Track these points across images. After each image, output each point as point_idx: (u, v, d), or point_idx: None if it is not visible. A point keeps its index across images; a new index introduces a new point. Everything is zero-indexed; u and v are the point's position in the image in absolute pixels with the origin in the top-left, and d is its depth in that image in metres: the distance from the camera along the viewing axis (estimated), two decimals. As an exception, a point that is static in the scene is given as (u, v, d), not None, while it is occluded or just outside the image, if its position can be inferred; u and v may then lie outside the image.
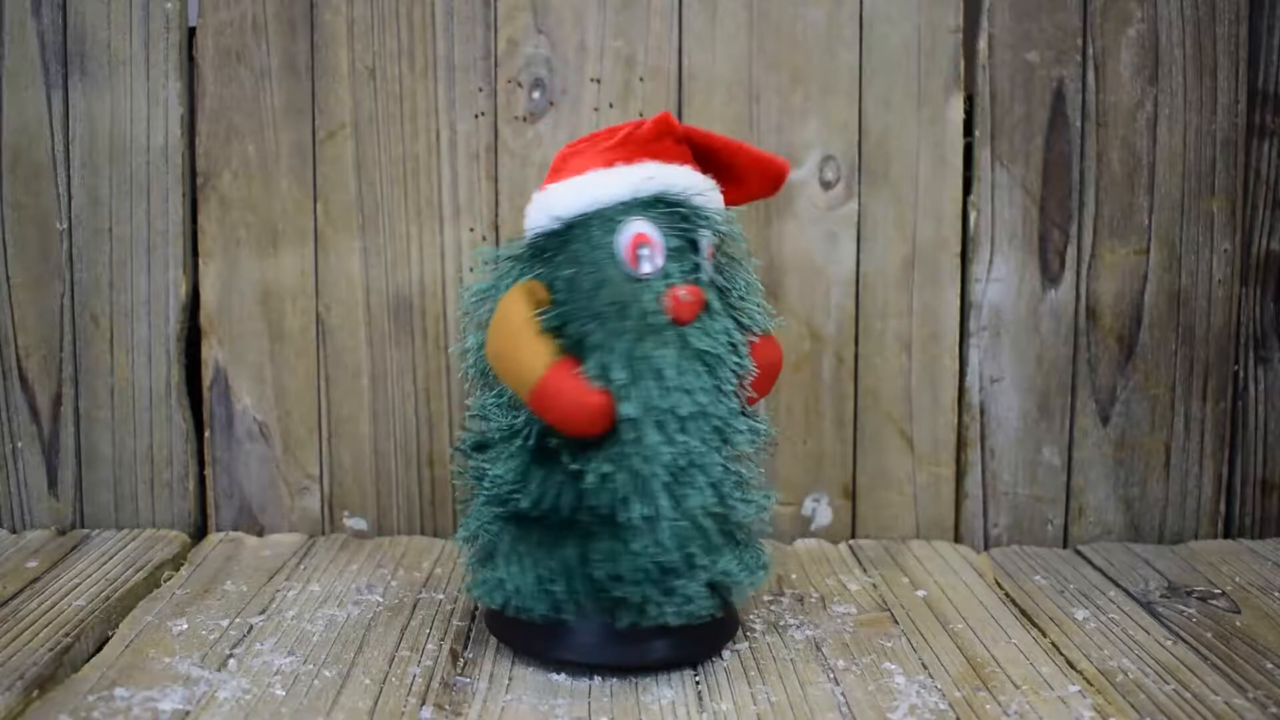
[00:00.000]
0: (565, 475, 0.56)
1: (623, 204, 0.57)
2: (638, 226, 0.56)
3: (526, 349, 0.54)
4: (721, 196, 0.60)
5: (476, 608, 0.66)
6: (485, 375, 0.60)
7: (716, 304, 0.57)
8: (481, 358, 0.59)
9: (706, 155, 0.61)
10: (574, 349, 0.55)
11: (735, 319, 0.58)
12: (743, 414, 0.58)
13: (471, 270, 0.78)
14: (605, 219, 0.56)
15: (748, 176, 0.62)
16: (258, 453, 0.80)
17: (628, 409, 0.54)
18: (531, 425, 0.57)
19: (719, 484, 0.56)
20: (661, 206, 0.57)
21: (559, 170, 0.60)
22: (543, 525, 0.57)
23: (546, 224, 0.58)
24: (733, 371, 0.56)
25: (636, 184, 0.57)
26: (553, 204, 0.58)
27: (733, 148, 0.62)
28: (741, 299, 0.59)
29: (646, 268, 0.56)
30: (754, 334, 0.59)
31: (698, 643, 0.58)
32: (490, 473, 0.58)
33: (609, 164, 0.58)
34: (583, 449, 0.55)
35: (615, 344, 0.54)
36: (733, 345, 0.57)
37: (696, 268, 0.57)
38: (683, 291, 0.55)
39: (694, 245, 0.57)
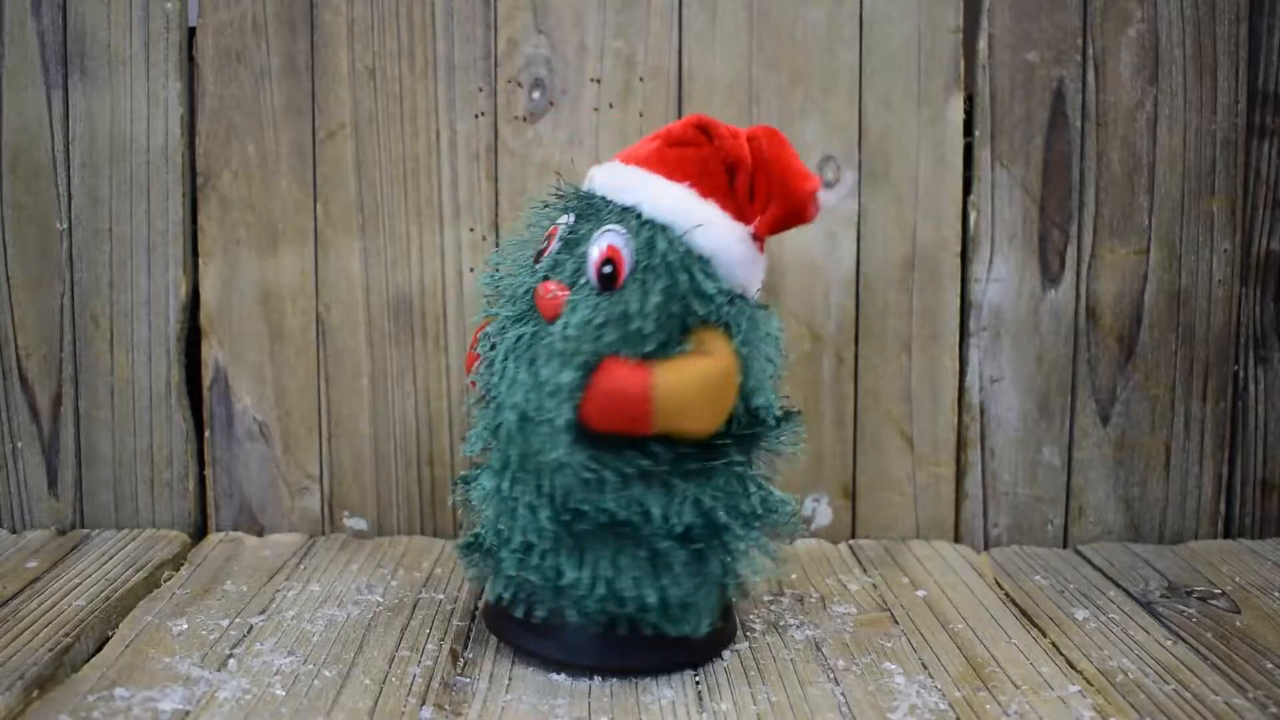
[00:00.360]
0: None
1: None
2: (608, 240, 0.55)
3: None
4: (696, 205, 0.55)
5: (476, 607, 0.66)
6: None
7: (583, 312, 0.53)
8: None
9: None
10: None
11: (612, 335, 0.53)
12: (582, 433, 0.53)
13: (472, 270, 0.78)
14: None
15: (770, 199, 0.56)
16: (258, 453, 0.80)
17: (473, 375, 0.57)
18: None
19: (557, 487, 0.54)
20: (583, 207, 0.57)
21: None
22: None
23: None
24: (549, 384, 0.52)
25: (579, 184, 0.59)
26: None
27: (755, 166, 0.55)
28: (625, 316, 0.53)
29: (542, 260, 0.57)
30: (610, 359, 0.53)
31: (695, 647, 0.58)
32: None
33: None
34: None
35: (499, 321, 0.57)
36: (558, 354, 0.52)
37: (578, 269, 0.55)
38: (551, 287, 0.54)
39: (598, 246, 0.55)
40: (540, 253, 0.57)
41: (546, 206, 0.59)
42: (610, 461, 0.53)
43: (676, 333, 0.54)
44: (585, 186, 0.58)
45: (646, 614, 0.56)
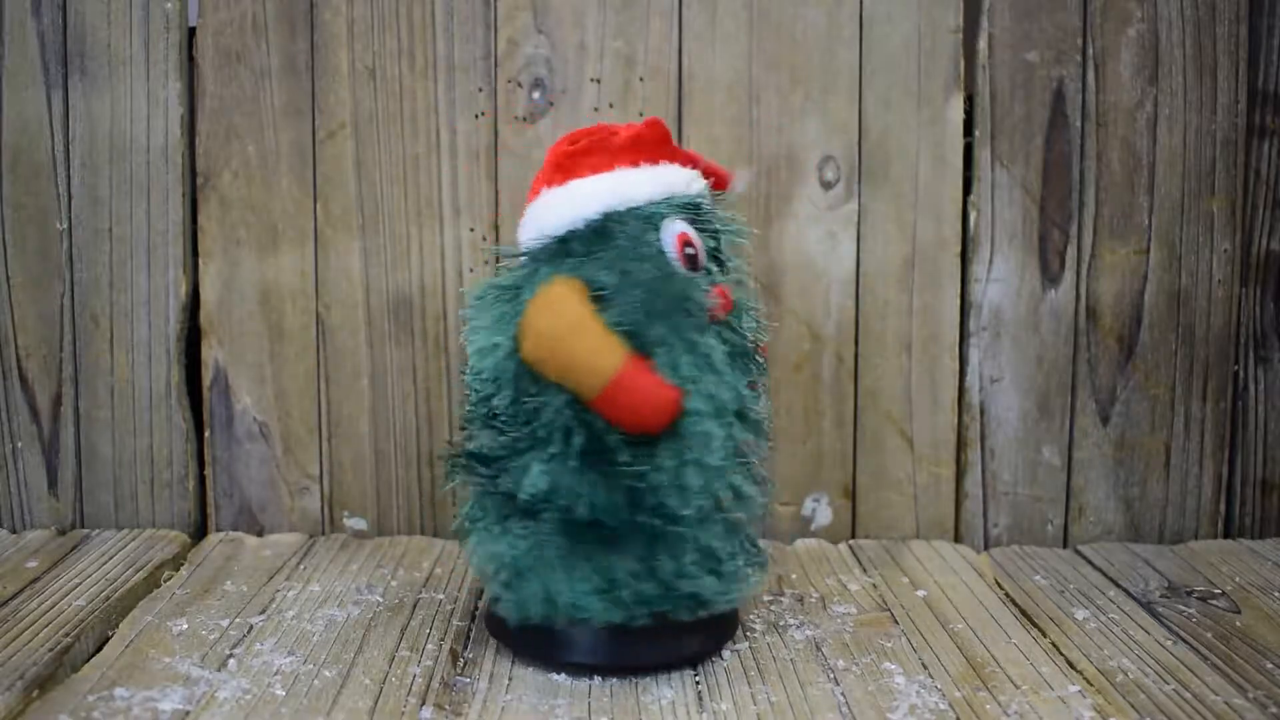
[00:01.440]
0: (622, 477, 0.54)
1: (654, 204, 0.57)
2: (679, 227, 0.57)
3: (598, 344, 0.53)
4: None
5: (476, 607, 0.66)
6: (503, 379, 0.56)
7: (745, 303, 0.59)
8: (507, 359, 0.55)
9: None
10: (631, 345, 0.54)
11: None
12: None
13: (472, 270, 0.78)
14: (643, 218, 0.57)
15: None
16: (258, 453, 0.80)
17: (695, 403, 0.54)
18: (574, 431, 0.54)
19: (739, 478, 0.57)
20: (690, 210, 0.58)
21: (569, 170, 0.58)
22: (597, 531, 0.54)
23: (572, 222, 0.57)
24: (754, 369, 0.58)
25: (675, 185, 0.58)
26: (578, 202, 0.57)
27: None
28: (746, 303, 0.60)
29: (696, 266, 0.57)
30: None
31: (697, 644, 0.58)
32: (520, 485, 0.55)
33: (634, 164, 0.58)
34: (641, 446, 0.54)
35: (679, 340, 0.55)
36: (755, 344, 0.59)
37: (721, 267, 0.59)
38: (721, 290, 0.57)
39: (717, 248, 0.59)
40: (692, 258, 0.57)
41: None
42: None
43: None
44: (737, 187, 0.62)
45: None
